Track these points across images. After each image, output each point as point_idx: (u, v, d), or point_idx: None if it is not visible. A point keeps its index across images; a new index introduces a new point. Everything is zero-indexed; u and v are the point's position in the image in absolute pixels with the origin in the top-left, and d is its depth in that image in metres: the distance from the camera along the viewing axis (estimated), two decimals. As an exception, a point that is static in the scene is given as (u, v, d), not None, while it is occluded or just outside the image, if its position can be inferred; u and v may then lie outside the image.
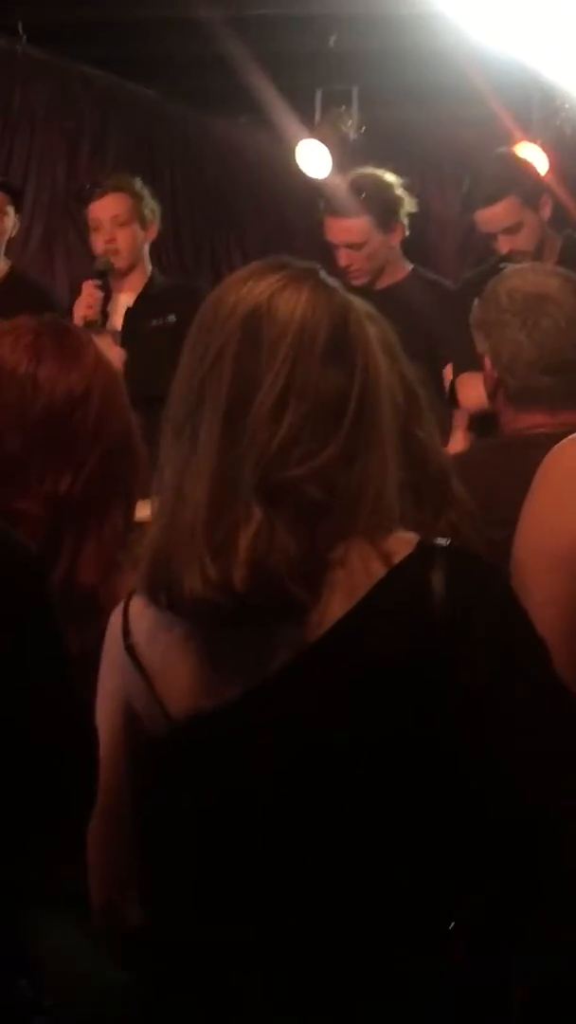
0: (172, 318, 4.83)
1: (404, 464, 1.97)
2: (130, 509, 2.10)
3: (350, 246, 4.91)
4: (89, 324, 4.74)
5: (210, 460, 1.69)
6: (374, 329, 1.81)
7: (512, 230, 4.66)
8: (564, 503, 2.14)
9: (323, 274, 1.77)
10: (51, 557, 2.00)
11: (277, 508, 1.66)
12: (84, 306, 4.82)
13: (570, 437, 2.24)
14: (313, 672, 1.70)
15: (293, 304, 1.70)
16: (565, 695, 1.69)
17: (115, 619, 1.85)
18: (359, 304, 1.80)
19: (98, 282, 4.85)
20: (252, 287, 1.73)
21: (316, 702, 1.70)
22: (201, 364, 1.72)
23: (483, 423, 4.14)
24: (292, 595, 1.66)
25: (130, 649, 1.81)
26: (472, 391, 4.16)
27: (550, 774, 1.64)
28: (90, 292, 4.84)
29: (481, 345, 2.92)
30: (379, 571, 1.68)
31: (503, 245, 4.69)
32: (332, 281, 1.77)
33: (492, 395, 2.93)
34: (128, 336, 4.77)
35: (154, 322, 4.82)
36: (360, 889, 1.71)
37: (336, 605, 1.68)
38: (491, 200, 4.67)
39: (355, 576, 1.69)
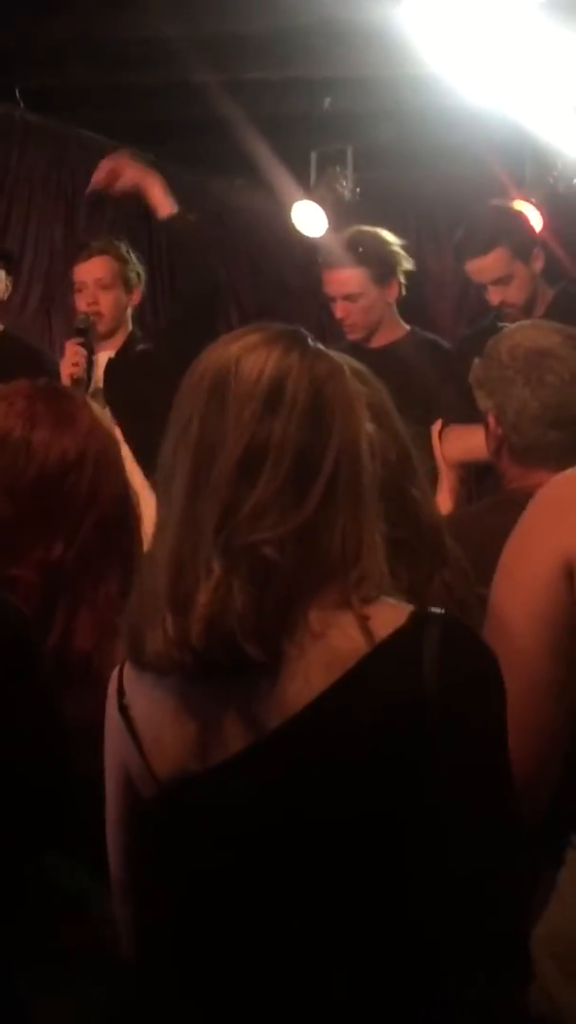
0: (145, 346, 4.85)
1: (397, 522, 1.96)
2: (127, 573, 2.08)
3: (346, 298, 4.93)
4: (76, 382, 4.75)
5: (176, 521, 1.69)
6: (362, 388, 1.80)
7: (502, 281, 4.67)
8: (542, 527, 2.11)
9: (302, 334, 1.76)
10: (45, 623, 1.99)
11: (236, 566, 1.65)
12: (69, 364, 4.83)
13: (562, 473, 2.21)
14: (294, 743, 1.68)
15: (261, 363, 1.70)
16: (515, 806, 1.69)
17: (113, 681, 1.85)
18: (345, 362, 1.79)
19: (80, 340, 4.87)
20: (223, 350, 1.73)
21: (295, 773, 1.68)
22: (176, 428, 1.73)
23: (476, 478, 4.15)
24: (246, 653, 1.64)
25: (123, 711, 1.81)
26: (456, 443, 4.17)
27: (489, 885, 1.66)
28: (74, 351, 4.85)
29: (484, 403, 2.91)
30: (363, 643, 1.66)
31: (493, 296, 4.71)
32: (311, 341, 1.76)
33: (496, 453, 2.92)
34: (110, 385, 4.78)
35: (131, 358, 4.84)
36: (335, 957, 1.69)
37: (317, 675, 1.66)
38: (482, 251, 4.68)
39: (336, 645, 1.66)
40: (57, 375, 4.89)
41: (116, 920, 1.86)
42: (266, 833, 1.71)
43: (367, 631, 1.66)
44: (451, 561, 2.17)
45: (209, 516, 1.66)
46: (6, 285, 5.33)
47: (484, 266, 4.68)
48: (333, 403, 1.71)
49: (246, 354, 1.71)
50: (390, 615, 1.68)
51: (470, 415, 3.20)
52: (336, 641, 1.66)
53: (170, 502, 1.71)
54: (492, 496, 3.07)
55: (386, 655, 1.65)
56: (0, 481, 2.05)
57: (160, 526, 1.73)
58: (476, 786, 1.66)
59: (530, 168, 6.59)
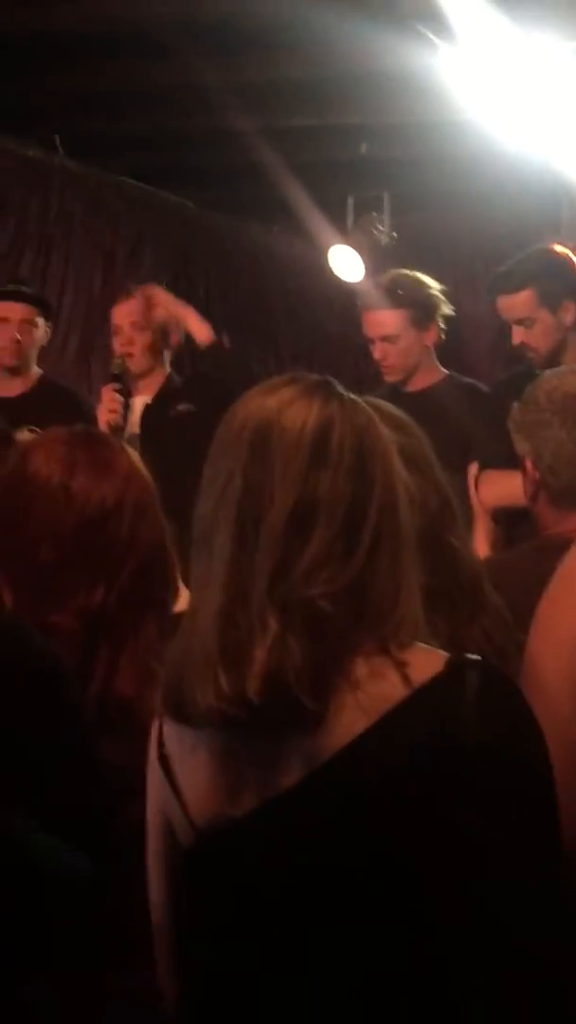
0: (189, 407, 4.86)
1: (437, 571, 1.96)
2: (165, 618, 2.08)
3: (385, 339, 4.94)
4: (114, 429, 4.77)
5: (222, 574, 1.68)
6: (402, 437, 1.79)
7: (525, 323, 4.68)
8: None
9: (337, 386, 1.76)
10: (86, 670, 1.98)
11: (293, 621, 1.65)
12: (107, 411, 4.85)
13: None
14: (329, 787, 1.67)
15: (304, 416, 1.69)
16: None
17: (153, 729, 1.84)
18: (386, 411, 1.79)
19: (117, 385, 4.90)
20: (261, 402, 1.72)
21: (330, 818, 1.67)
22: (215, 485, 1.71)
23: (510, 522, 4.14)
24: (304, 706, 1.64)
25: (163, 760, 1.80)
26: (492, 488, 4.16)
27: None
28: (110, 396, 4.88)
29: (521, 447, 2.92)
30: (402, 689, 1.65)
31: (516, 336, 4.71)
32: (347, 392, 1.76)
33: (533, 497, 2.92)
34: (147, 435, 4.80)
35: (170, 414, 4.84)
36: (372, 997, 1.68)
37: (354, 720, 1.65)
38: (512, 288, 4.68)
39: (374, 691, 1.65)
40: (95, 419, 4.92)
41: (158, 966, 1.86)
42: (304, 878, 1.70)
43: (405, 677, 1.65)
44: (490, 609, 2.16)
45: (261, 571, 1.65)
46: (46, 332, 5.38)
47: (510, 304, 4.69)
48: (373, 453, 1.71)
49: (287, 406, 1.70)
50: (427, 661, 1.68)
51: (507, 459, 3.21)
52: (374, 687, 1.66)
53: (212, 557, 1.70)
54: (530, 541, 3.07)
55: (424, 701, 1.64)
56: (40, 528, 2.05)
57: (202, 581, 1.71)
58: (514, 835, 1.64)
59: (566, 212, 6.61)
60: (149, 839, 1.84)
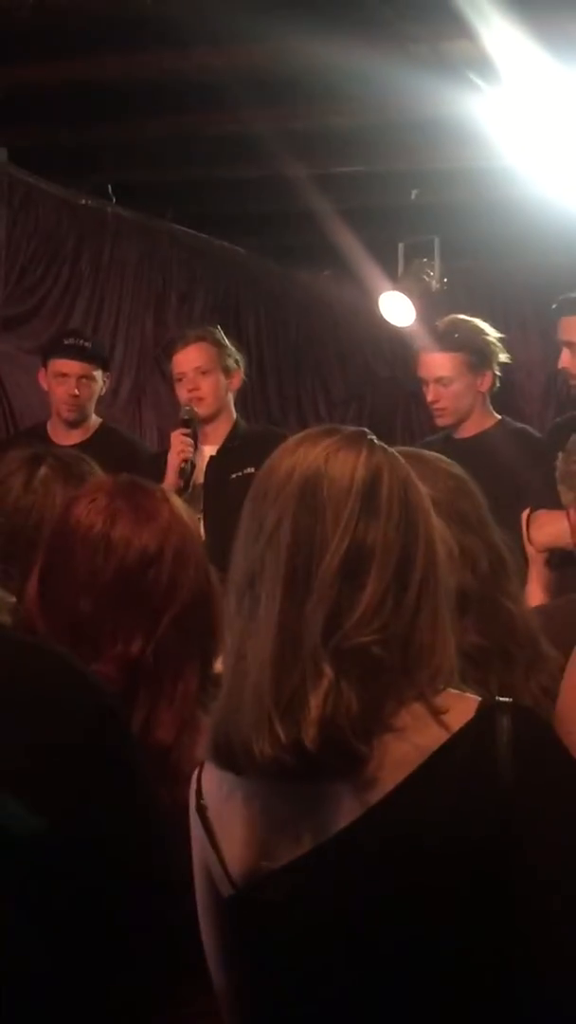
0: (251, 470, 4.88)
1: (489, 632, 1.96)
2: (206, 668, 2.07)
3: (438, 381, 4.95)
4: (183, 471, 4.79)
5: (272, 623, 1.68)
6: (456, 496, 1.80)
7: (570, 346, 4.73)
8: None
9: (375, 437, 1.78)
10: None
11: (348, 668, 1.65)
12: (177, 453, 4.86)
13: None
14: (369, 836, 1.67)
15: (352, 465, 1.70)
16: None
17: (193, 782, 1.84)
18: (441, 466, 1.79)
19: (186, 430, 4.91)
20: (306, 452, 1.73)
21: (372, 866, 1.67)
22: (260, 531, 1.71)
23: (562, 564, 4.13)
24: (357, 753, 1.64)
25: (200, 810, 1.80)
26: (543, 529, 4.16)
27: None
28: (180, 439, 4.87)
29: (566, 496, 2.92)
30: (439, 733, 1.66)
31: (563, 358, 4.77)
32: (383, 444, 1.77)
33: None
34: (210, 490, 4.82)
35: (233, 475, 4.86)
36: None
37: (393, 768, 1.66)
38: (570, 309, 4.76)
39: (415, 737, 1.66)
40: (152, 464, 4.95)
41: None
42: (344, 927, 1.69)
43: (442, 722, 1.67)
44: (548, 664, 2.16)
45: (314, 618, 1.66)
46: (103, 383, 5.43)
47: (566, 324, 4.76)
48: (417, 506, 1.73)
49: (333, 456, 1.71)
50: (461, 706, 1.69)
51: (559, 503, 3.21)
52: (416, 733, 1.67)
53: (259, 603, 1.70)
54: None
55: (461, 745, 1.65)
56: (81, 577, 2.05)
57: (248, 628, 1.71)
58: (558, 870, 1.65)
59: (617, 256, 6.62)
60: (197, 893, 1.83)
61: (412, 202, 6.47)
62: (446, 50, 4.72)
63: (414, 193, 6.42)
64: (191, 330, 5.24)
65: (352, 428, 1.78)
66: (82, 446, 5.20)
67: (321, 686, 1.64)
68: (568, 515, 2.92)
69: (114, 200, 6.73)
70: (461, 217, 6.75)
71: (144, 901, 1.70)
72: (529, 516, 4.32)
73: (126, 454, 5.10)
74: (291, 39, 4.59)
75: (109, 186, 6.65)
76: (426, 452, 1.91)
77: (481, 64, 4.61)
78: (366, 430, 1.78)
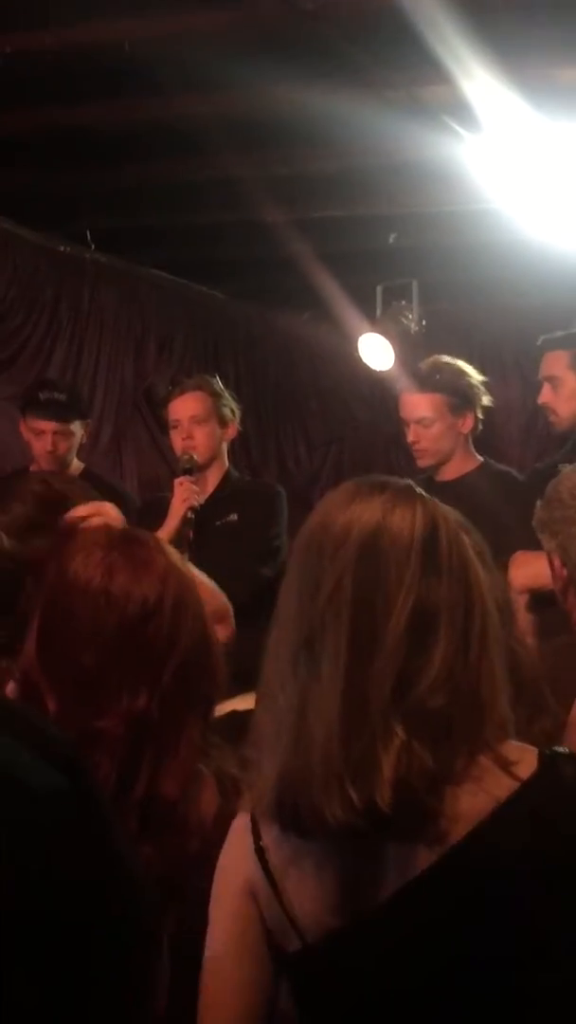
0: (234, 517, 4.87)
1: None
2: (207, 719, 2.06)
3: (419, 422, 4.96)
4: (188, 520, 4.78)
5: (338, 684, 1.65)
6: (469, 539, 1.80)
7: (551, 381, 4.85)
8: None
9: (422, 490, 1.77)
10: (131, 775, 1.95)
11: (419, 727, 1.64)
12: (182, 501, 4.83)
13: None
14: (444, 885, 1.67)
15: (410, 521, 1.70)
16: None
17: (240, 821, 1.80)
18: (454, 515, 1.79)
19: (190, 477, 4.89)
20: (361, 509, 1.71)
21: (445, 916, 1.67)
22: (318, 591, 1.69)
23: (541, 603, 4.13)
24: (431, 809, 1.64)
25: (260, 852, 1.76)
26: (522, 569, 4.15)
27: None
28: (187, 487, 4.84)
29: (548, 544, 2.90)
30: (507, 783, 1.66)
31: (544, 393, 4.90)
32: (430, 497, 1.77)
33: (563, 593, 2.90)
34: (197, 538, 4.81)
35: (218, 522, 4.85)
36: None
37: (470, 817, 1.66)
38: (552, 345, 4.84)
39: (485, 788, 1.67)
40: (145, 511, 4.94)
41: None
42: (424, 977, 1.68)
43: (510, 772, 1.67)
44: (550, 709, 2.15)
45: (383, 679, 1.65)
46: (83, 431, 5.42)
47: (549, 360, 4.85)
48: (469, 555, 1.73)
49: (390, 512, 1.70)
50: (523, 756, 1.70)
51: (538, 545, 3.20)
52: (486, 784, 1.67)
53: (319, 664, 1.67)
54: (567, 637, 3.03)
55: (529, 794, 1.66)
56: (82, 633, 2.03)
57: (310, 690, 1.68)
58: None
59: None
60: (225, 947, 1.77)
61: (390, 245, 6.49)
62: (423, 95, 4.74)
63: (392, 236, 6.44)
64: (189, 379, 5.23)
65: (400, 481, 1.78)
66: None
67: (393, 746, 1.63)
68: (551, 562, 2.90)
69: (93, 246, 6.73)
70: (439, 260, 6.77)
71: (122, 953, 1.66)
72: (510, 558, 4.32)
73: (115, 502, 5.09)
74: (269, 85, 4.61)
75: (88, 232, 6.65)
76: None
77: (459, 109, 4.63)
78: (412, 483, 1.78)
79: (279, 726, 1.71)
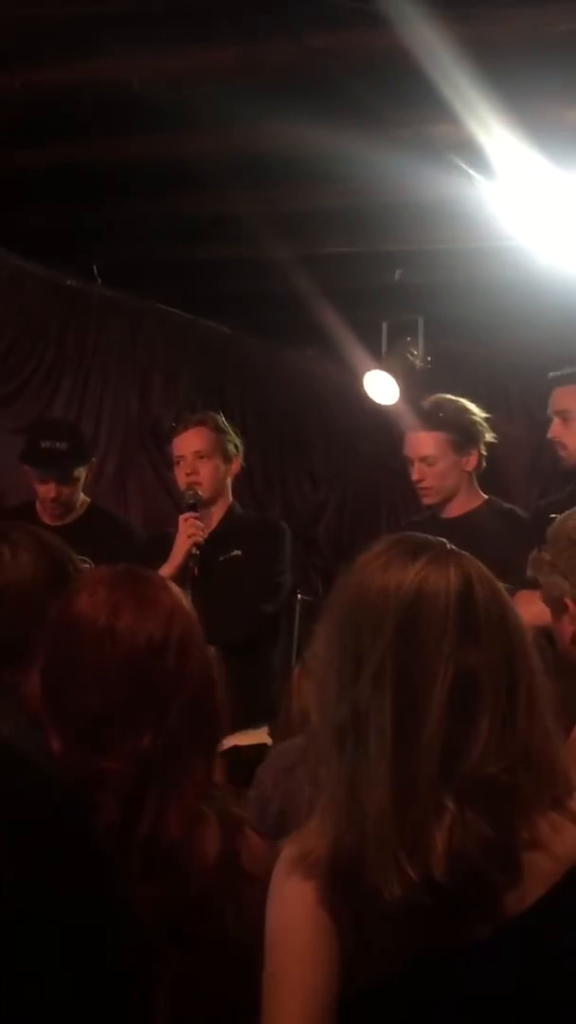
0: (237, 552, 4.87)
1: None
2: (212, 759, 2.04)
3: (423, 460, 4.96)
4: (195, 557, 4.77)
5: (385, 762, 1.65)
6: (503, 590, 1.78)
7: (563, 415, 4.88)
8: None
9: (454, 547, 1.75)
10: (135, 814, 1.93)
11: (471, 799, 1.63)
12: (187, 537, 4.82)
13: None
14: (521, 944, 1.66)
15: (444, 586, 1.67)
16: None
17: (298, 883, 1.72)
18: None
19: (196, 514, 4.89)
20: (398, 578, 1.69)
21: (517, 973, 1.66)
22: (361, 670, 1.67)
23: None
24: (492, 881, 1.63)
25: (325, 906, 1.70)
26: (527, 608, 4.12)
27: None
28: (191, 523, 4.83)
29: (560, 587, 2.88)
30: None
31: (554, 428, 4.93)
32: (466, 555, 1.75)
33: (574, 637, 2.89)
34: (201, 573, 4.80)
35: (221, 558, 4.85)
36: None
37: (542, 878, 1.65)
38: (564, 381, 4.86)
39: (557, 848, 1.66)
40: (148, 547, 4.94)
41: None
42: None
43: None
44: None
45: (429, 752, 1.64)
46: (87, 473, 5.40)
47: (560, 395, 4.85)
48: (506, 613, 1.71)
49: (424, 580, 1.68)
50: None
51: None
52: (558, 843, 1.67)
53: (366, 743, 1.66)
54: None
55: None
56: (87, 672, 2.01)
57: (360, 772, 1.66)
58: None
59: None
60: (293, 976, 1.71)
61: (396, 282, 6.51)
62: (430, 134, 4.77)
63: (398, 273, 6.46)
64: (193, 415, 5.23)
65: (434, 540, 1.76)
66: (70, 528, 5.20)
67: (443, 819, 1.62)
68: (564, 605, 2.88)
69: (99, 281, 6.75)
70: (445, 297, 6.79)
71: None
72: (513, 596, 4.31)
73: (117, 537, 5.09)
74: (276, 122, 4.63)
75: (94, 267, 6.67)
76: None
77: (465, 148, 4.65)
78: (445, 541, 1.76)
79: (328, 808, 1.69)
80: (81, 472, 5.30)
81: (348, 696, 1.68)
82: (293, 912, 1.71)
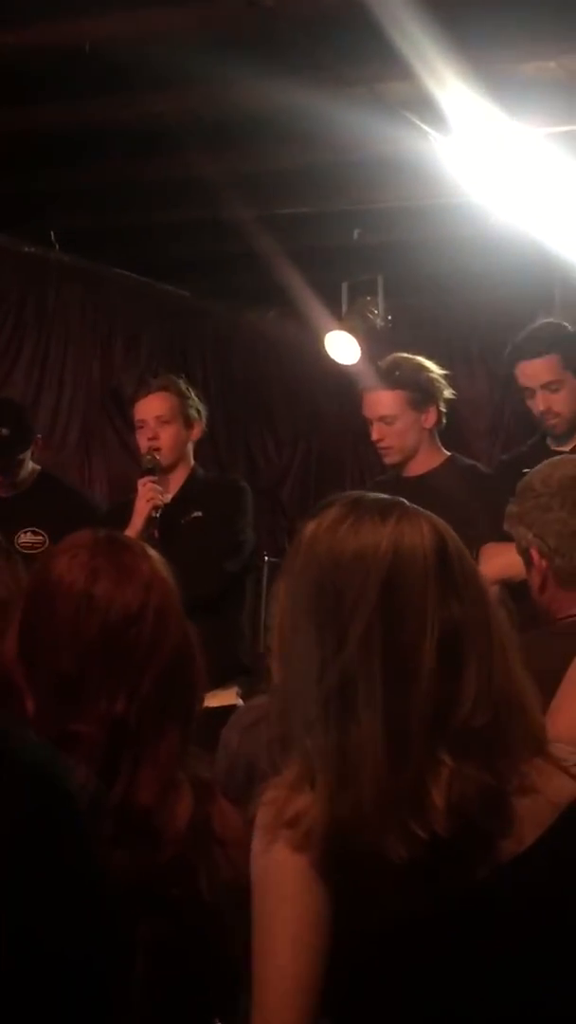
0: (198, 514, 4.88)
1: None
2: (188, 728, 2.04)
3: (381, 419, 4.95)
4: (154, 520, 4.77)
5: (377, 722, 1.64)
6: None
7: (551, 387, 4.76)
8: None
9: (417, 507, 1.76)
10: (108, 779, 1.94)
11: (466, 752, 1.65)
12: (146, 500, 4.82)
13: None
14: (515, 886, 1.68)
15: (419, 544, 1.67)
16: None
17: (303, 835, 1.70)
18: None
19: (153, 478, 4.88)
20: (371, 539, 1.68)
21: (517, 914, 1.69)
22: (345, 640, 1.66)
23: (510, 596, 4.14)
24: (490, 829, 1.65)
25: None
26: (493, 560, 4.15)
27: None
28: (150, 487, 4.84)
29: (524, 537, 2.91)
30: (570, 787, 1.69)
31: (539, 402, 4.78)
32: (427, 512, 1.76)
33: (541, 587, 2.91)
34: (163, 536, 4.80)
35: (183, 520, 4.85)
36: None
37: (536, 823, 1.68)
38: (535, 354, 4.77)
39: (549, 793, 1.69)
40: (109, 516, 4.94)
41: None
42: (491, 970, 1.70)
43: (572, 774, 1.71)
44: None
45: (422, 710, 1.64)
46: (36, 450, 5.37)
47: (536, 370, 4.77)
48: (474, 565, 1.73)
49: (399, 539, 1.68)
50: (569, 755, 1.73)
51: (506, 537, 3.21)
52: (549, 789, 1.69)
53: (354, 708, 1.65)
54: (543, 628, 3.03)
55: None
56: (63, 635, 2.02)
57: (348, 735, 1.66)
58: None
59: (559, 292, 6.67)
60: (289, 947, 1.69)
61: (355, 241, 6.49)
62: (385, 91, 4.74)
63: (356, 232, 6.44)
64: (155, 379, 5.22)
65: (393, 499, 1.76)
66: (21, 497, 5.20)
67: (442, 775, 1.64)
68: (529, 556, 2.91)
69: (57, 247, 6.71)
70: (404, 255, 6.78)
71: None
72: (478, 550, 4.32)
73: (73, 505, 5.09)
74: (231, 82, 4.61)
75: (52, 232, 6.63)
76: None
77: (421, 104, 4.63)
78: (404, 500, 1.76)
79: (314, 768, 1.68)
80: (26, 454, 5.27)
81: (335, 663, 1.66)
82: (281, 880, 1.70)
